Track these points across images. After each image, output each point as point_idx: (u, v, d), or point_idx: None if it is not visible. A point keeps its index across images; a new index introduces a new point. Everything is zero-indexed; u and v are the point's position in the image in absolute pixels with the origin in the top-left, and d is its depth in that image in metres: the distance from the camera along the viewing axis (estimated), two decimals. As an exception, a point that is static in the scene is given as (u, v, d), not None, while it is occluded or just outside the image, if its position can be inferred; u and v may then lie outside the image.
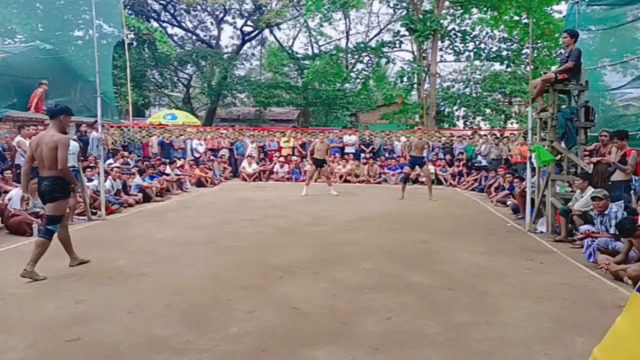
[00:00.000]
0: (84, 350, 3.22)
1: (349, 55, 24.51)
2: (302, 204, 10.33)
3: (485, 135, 15.88)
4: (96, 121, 12.01)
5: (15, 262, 5.50)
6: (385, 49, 21.74)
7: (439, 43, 20.25)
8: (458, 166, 14.97)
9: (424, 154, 11.65)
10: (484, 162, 14.42)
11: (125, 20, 14.61)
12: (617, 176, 6.87)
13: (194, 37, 29.10)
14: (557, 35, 17.83)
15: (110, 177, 9.67)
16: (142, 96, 23.77)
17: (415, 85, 21.01)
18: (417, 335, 3.51)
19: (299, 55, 28.18)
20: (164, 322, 3.70)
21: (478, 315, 3.88)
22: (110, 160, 11.73)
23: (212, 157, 15.70)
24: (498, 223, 8.45)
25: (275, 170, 15.51)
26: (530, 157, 7.75)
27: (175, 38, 28.81)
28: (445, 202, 10.90)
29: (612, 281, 4.84)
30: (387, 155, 16.14)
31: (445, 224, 8.09)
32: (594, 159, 7.34)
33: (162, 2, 26.53)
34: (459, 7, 20.52)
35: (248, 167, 15.30)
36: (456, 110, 22.64)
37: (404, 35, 21.06)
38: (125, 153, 13.13)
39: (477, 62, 23.81)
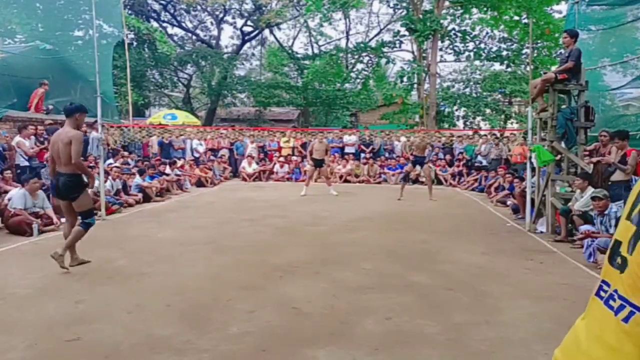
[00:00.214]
0: (84, 350, 3.22)
1: (349, 55, 24.50)
2: (302, 204, 10.33)
3: (485, 135, 15.88)
4: (96, 121, 12.01)
5: (15, 262, 5.51)
6: (385, 49, 21.74)
7: (439, 43, 20.24)
8: (458, 166, 14.97)
9: (425, 154, 11.66)
10: (484, 162, 14.43)
11: (125, 20, 14.62)
12: (617, 176, 6.87)
13: (194, 37, 29.10)
14: (557, 35, 17.82)
15: (110, 177, 9.67)
16: (142, 96, 23.76)
17: (415, 85, 21.00)
18: (417, 335, 3.51)
19: (299, 55, 28.18)
20: (164, 322, 3.70)
21: (478, 315, 3.88)
22: (110, 160, 11.73)
23: (212, 157, 15.70)
24: (498, 223, 8.45)
25: (275, 170, 15.51)
26: (530, 157, 7.75)
27: (175, 38, 28.81)
28: (445, 202, 10.90)
29: (612, 281, 4.84)
30: (387, 155, 16.15)
31: (445, 224, 8.09)
32: (594, 159, 7.34)
33: (162, 2, 26.52)
34: (459, 7, 20.51)
35: (248, 167, 15.30)
36: (456, 110, 22.63)
37: (404, 35, 21.06)
38: (125, 153, 13.13)
39: (477, 62, 23.80)
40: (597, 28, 10.56)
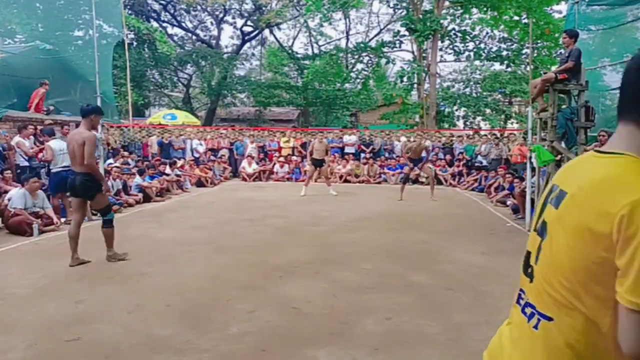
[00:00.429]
0: (84, 350, 3.22)
1: (349, 55, 24.50)
2: (302, 204, 10.33)
3: (486, 135, 15.88)
4: (96, 121, 12.03)
5: (15, 262, 5.51)
6: (385, 49, 21.74)
7: (439, 43, 20.24)
8: (458, 166, 14.97)
9: (422, 155, 11.67)
10: (484, 162, 14.43)
11: (125, 20, 14.61)
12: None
13: (194, 37, 29.10)
14: (557, 35, 17.81)
15: (110, 177, 9.67)
16: (142, 96, 23.76)
17: (415, 85, 21.01)
18: (417, 335, 3.51)
19: (299, 55, 28.18)
20: (164, 322, 3.70)
21: (478, 315, 3.88)
22: (110, 160, 11.73)
23: (212, 157, 15.70)
24: (498, 223, 8.45)
25: (275, 170, 15.51)
26: (530, 157, 7.75)
27: (175, 38, 28.81)
28: (445, 202, 10.90)
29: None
30: (387, 155, 16.15)
31: (445, 224, 8.09)
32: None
33: (162, 2, 26.53)
34: (459, 7, 20.51)
35: (248, 167, 15.30)
36: (456, 110, 22.64)
37: (404, 35, 21.06)
38: (126, 153, 13.12)
39: (477, 62, 23.82)
40: (597, 28, 10.55)
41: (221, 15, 27.49)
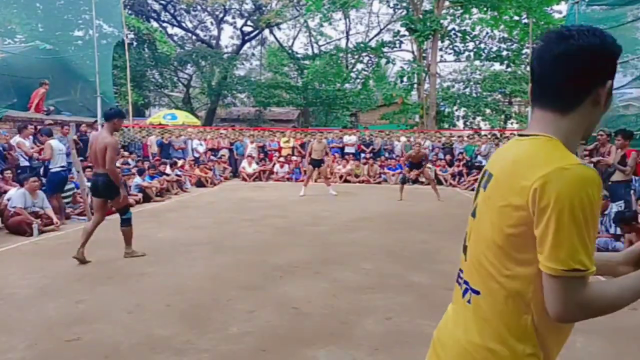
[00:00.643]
0: (84, 350, 3.22)
1: (349, 55, 24.51)
2: (302, 204, 10.33)
3: (486, 135, 15.88)
4: (96, 121, 12.04)
5: (15, 262, 5.51)
6: (385, 49, 21.75)
7: (439, 43, 20.25)
8: (458, 166, 14.97)
9: (422, 162, 11.63)
10: (484, 162, 14.42)
11: (125, 20, 14.62)
12: (617, 176, 6.86)
13: (194, 37, 29.11)
14: (557, 35, 17.79)
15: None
16: (142, 96, 23.77)
17: (415, 85, 21.01)
18: (417, 335, 3.51)
19: (299, 55, 28.18)
20: (164, 322, 3.70)
21: (478, 315, 3.87)
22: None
23: (212, 157, 15.71)
24: (498, 223, 8.42)
25: (275, 170, 15.51)
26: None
27: (175, 38, 28.82)
28: (445, 202, 10.89)
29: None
30: (387, 155, 16.15)
31: (445, 224, 8.08)
32: (594, 159, 7.34)
33: (162, 2, 26.53)
34: (459, 7, 20.52)
35: (248, 167, 15.30)
36: (456, 110, 22.65)
37: (404, 35, 21.08)
38: (126, 153, 13.13)
39: (477, 62, 23.83)
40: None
41: (221, 15, 27.51)
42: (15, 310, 3.94)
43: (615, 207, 6.06)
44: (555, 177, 0.96)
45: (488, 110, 21.12)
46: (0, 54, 12.00)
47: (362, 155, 15.99)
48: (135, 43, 23.52)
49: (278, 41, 29.79)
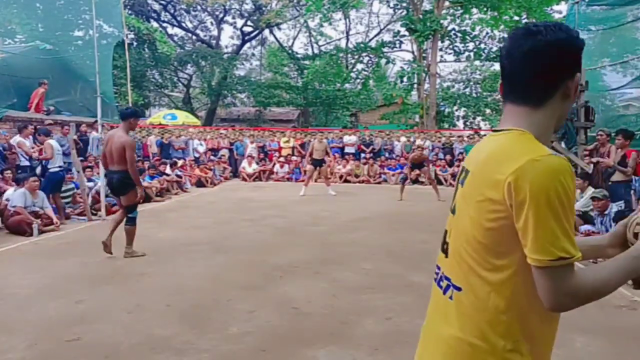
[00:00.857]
0: (84, 350, 3.22)
1: (349, 55, 24.51)
2: (302, 204, 10.33)
3: (486, 135, 15.86)
4: (96, 121, 12.01)
5: (15, 262, 5.51)
6: (385, 49, 21.75)
7: (439, 43, 20.25)
8: (458, 166, 14.96)
9: (424, 164, 11.63)
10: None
11: (125, 20, 14.58)
12: (617, 176, 6.86)
13: (194, 37, 29.10)
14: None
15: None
16: (142, 96, 23.76)
17: (415, 85, 21.01)
18: (417, 335, 3.48)
19: (299, 55, 28.18)
20: (164, 322, 3.70)
21: (478, 315, 3.87)
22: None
23: (212, 158, 15.71)
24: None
25: (275, 170, 15.51)
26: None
27: (175, 38, 28.81)
28: (446, 202, 10.87)
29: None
30: (387, 155, 16.15)
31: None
32: (594, 159, 7.34)
33: (162, 2, 26.52)
34: (459, 7, 20.52)
35: (248, 167, 15.30)
36: (456, 110, 22.65)
37: (404, 35, 21.08)
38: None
39: (477, 62, 23.84)
40: (597, 28, 10.55)
41: (221, 15, 27.50)
42: (15, 310, 3.94)
43: (615, 207, 6.06)
44: (527, 170, 0.98)
45: (488, 110, 21.13)
46: (0, 54, 12.00)
47: (362, 155, 15.99)
48: (135, 43, 23.51)
49: (278, 41, 29.80)
